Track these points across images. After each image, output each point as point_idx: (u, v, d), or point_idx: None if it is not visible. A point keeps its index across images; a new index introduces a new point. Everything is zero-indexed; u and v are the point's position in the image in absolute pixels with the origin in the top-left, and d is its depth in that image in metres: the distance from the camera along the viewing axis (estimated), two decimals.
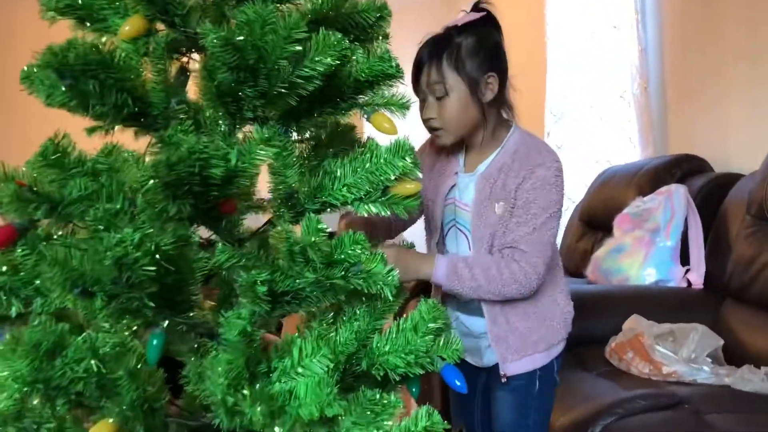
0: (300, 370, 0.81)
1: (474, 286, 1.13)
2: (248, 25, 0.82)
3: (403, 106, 1.01)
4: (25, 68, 0.83)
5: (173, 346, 0.94)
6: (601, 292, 1.98)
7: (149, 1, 0.91)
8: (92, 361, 0.84)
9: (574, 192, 3.12)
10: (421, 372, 0.99)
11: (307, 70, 0.87)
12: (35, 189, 0.86)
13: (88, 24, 0.96)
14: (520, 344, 1.20)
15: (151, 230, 0.78)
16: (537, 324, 1.21)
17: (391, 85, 1.00)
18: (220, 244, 0.86)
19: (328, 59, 0.87)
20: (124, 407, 0.86)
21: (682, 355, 1.54)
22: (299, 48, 0.85)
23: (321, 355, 0.81)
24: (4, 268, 0.88)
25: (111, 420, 0.86)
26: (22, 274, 0.89)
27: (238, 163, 0.83)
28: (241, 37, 0.80)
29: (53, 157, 0.86)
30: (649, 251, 2.04)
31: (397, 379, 0.98)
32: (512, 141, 1.22)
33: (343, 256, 0.87)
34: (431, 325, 0.97)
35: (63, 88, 0.82)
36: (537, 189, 1.15)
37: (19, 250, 0.89)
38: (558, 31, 3.35)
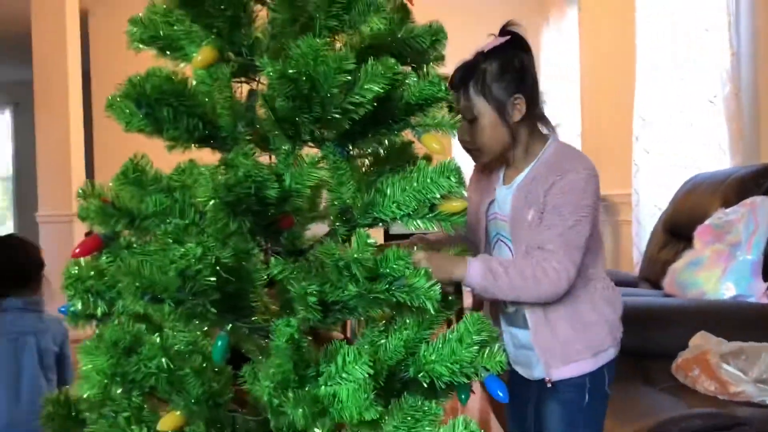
0: (344, 375, 0.88)
1: (508, 285, 1.14)
2: (302, 58, 0.89)
3: (453, 126, 1.05)
4: (109, 98, 0.94)
5: (245, 344, 1.03)
6: (671, 305, 1.94)
7: (219, 34, 1.00)
8: (163, 359, 0.94)
9: (661, 199, 3.04)
10: (466, 381, 1.03)
11: (357, 97, 0.94)
12: (117, 204, 0.97)
13: (168, 53, 1.07)
14: (564, 352, 1.22)
15: (213, 245, 0.87)
16: (580, 331, 1.23)
17: (441, 107, 1.06)
18: (273, 257, 0.94)
19: (376, 87, 0.93)
20: (191, 401, 0.96)
21: (752, 375, 1.49)
22: (349, 78, 0.91)
23: (362, 362, 0.88)
24: (92, 273, 1.00)
25: (178, 413, 0.96)
26: (106, 278, 1.00)
27: (291, 184, 0.90)
28: (294, 70, 0.87)
29: (132, 176, 0.97)
30: (728, 265, 1.97)
31: (443, 386, 1.03)
32: (548, 153, 1.26)
33: (387, 270, 0.93)
34: (476, 337, 1.02)
35: (140, 116, 0.93)
36: (566, 193, 1.18)
37: (104, 258, 1.00)
38: (648, 34, 3.27)
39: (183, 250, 0.84)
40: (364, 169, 1.13)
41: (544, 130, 1.29)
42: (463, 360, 1.02)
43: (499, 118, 1.22)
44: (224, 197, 0.85)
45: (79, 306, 0.99)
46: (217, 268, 0.86)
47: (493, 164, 1.31)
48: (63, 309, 1.03)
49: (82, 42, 4.96)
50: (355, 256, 0.87)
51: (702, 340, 1.64)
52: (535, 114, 1.25)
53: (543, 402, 1.27)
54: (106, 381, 0.92)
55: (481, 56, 1.23)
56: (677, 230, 2.55)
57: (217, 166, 0.91)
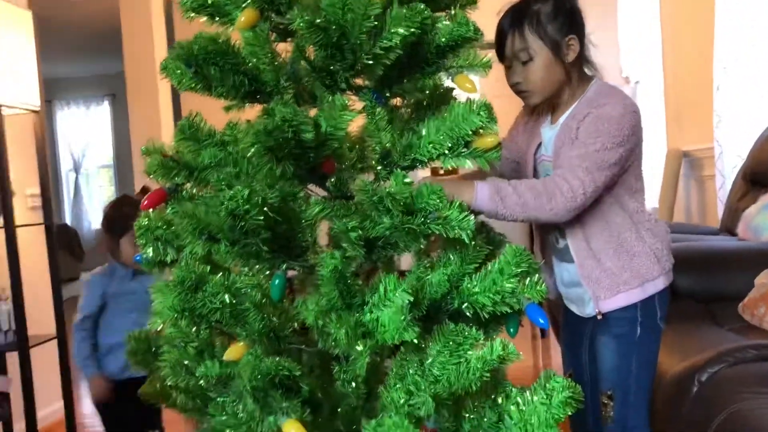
0: (386, 302, 0.95)
1: (520, 203, 1.14)
2: (330, 7, 0.95)
3: (485, 66, 1.09)
4: (162, 61, 1.03)
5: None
6: (738, 247, 1.88)
7: None
8: (226, 296, 1.04)
9: (744, 149, 2.91)
10: (509, 311, 1.07)
11: (385, 41, 0.99)
12: (176, 159, 1.07)
13: (217, 18, 1.16)
14: (611, 282, 1.24)
15: (258, 187, 0.95)
16: (626, 261, 1.24)
17: (472, 47, 1.09)
18: (312, 198, 1.01)
19: (403, 30, 0.98)
20: (254, 334, 1.06)
21: None
22: (376, 23, 0.97)
23: (402, 290, 0.94)
24: (160, 224, 1.11)
25: (242, 344, 1.06)
26: (173, 228, 1.11)
27: (326, 128, 0.97)
28: (321, 19, 0.93)
29: (189, 132, 1.06)
30: None
31: (486, 317, 1.08)
32: (590, 92, 1.28)
33: (422, 205, 0.99)
34: (515, 268, 1.06)
35: (190, 75, 1.02)
36: (598, 121, 1.20)
37: (169, 209, 1.11)
38: None
39: (232, 192, 0.92)
40: (407, 116, 1.19)
41: (590, 73, 1.31)
42: (505, 290, 1.06)
43: (555, 57, 1.24)
44: (264, 142, 0.93)
45: (151, 253, 1.10)
46: (264, 208, 0.94)
47: (541, 108, 1.33)
48: (138, 257, 1.15)
49: (168, 33, 5.21)
50: (388, 190, 0.93)
51: (767, 278, 1.59)
52: (583, 56, 1.27)
53: (596, 337, 1.29)
54: (175, 315, 1.02)
55: None
56: (757, 178, 2.45)
57: (259, 116, 0.99)
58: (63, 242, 7.49)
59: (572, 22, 1.25)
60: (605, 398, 1.26)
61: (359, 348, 0.90)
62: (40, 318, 2.47)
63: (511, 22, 1.25)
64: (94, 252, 8.29)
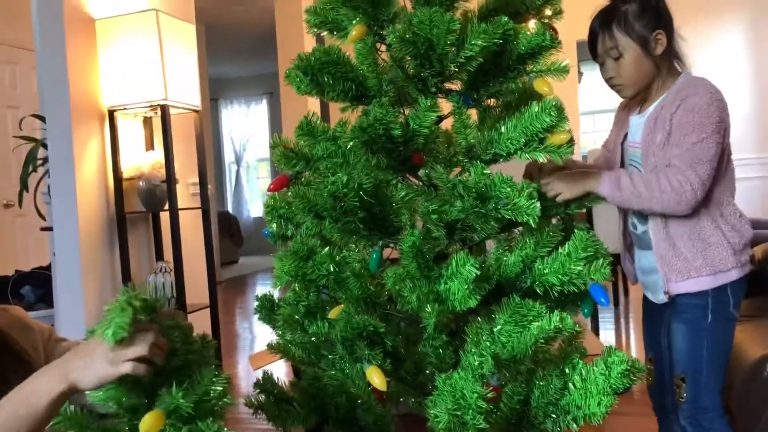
0: (456, 274, 1.11)
1: (636, 193, 1.27)
2: (420, 24, 1.13)
3: (562, 70, 1.22)
4: (286, 70, 1.26)
5: None
6: None
7: (365, 13, 1.27)
8: (331, 265, 1.25)
9: None
10: (575, 290, 1.19)
11: (467, 51, 1.15)
12: (296, 151, 1.29)
13: (335, 33, 1.37)
14: (683, 266, 1.31)
15: (356, 175, 1.15)
16: (700, 249, 1.31)
17: (550, 54, 1.22)
18: (399, 183, 1.19)
19: (481, 42, 1.13)
20: (353, 298, 1.26)
21: None
22: (457, 36, 1.13)
23: (470, 264, 1.09)
24: (283, 204, 1.34)
25: (343, 306, 1.26)
26: (292, 207, 1.34)
27: (413, 125, 1.15)
28: (410, 34, 1.11)
29: (307, 129, 1.28)
30: None
31: (556, 295, 1.21)
32: (678, 83, 1.35)
33: (495, 193, 1.14)
34: (582, 252, 1.18)
35: (307, 82, 1.24)
36: (688, 113, 1.28)
37: (291, 192, 1.33)
38: None
39: (334, 178, 1.13)
40: (497, 116, 1.34)
41: (679, 67, 1.39)
42: (572, 272, 1.19)
43: (644, 52, 1.34)
44: (360, 137, 1.12)
45: (274, 228, 1.34)
46: (360, 192, 1.14)
47: (634, 101, 1.42)
48: (266, 231, 1.39)
49: (317, 35, 5.61)
50: (459, 178, 1.09)
51: None
52: (672, 50, 1.35)
53: (671, 322, 1.36)
54: (290, 278, 1.25)
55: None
56: None
57: (359, 116, 1.18)
58: (224, 228, 8.23)
59: (659, 18, 1.33)
60: (678, 381, 1.33)
61: (428, 310, 1.07)
62: (197, 289, 2.85)
63: (601, 23, 1.35)
64: (251, 238, 9.06)
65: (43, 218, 2.84)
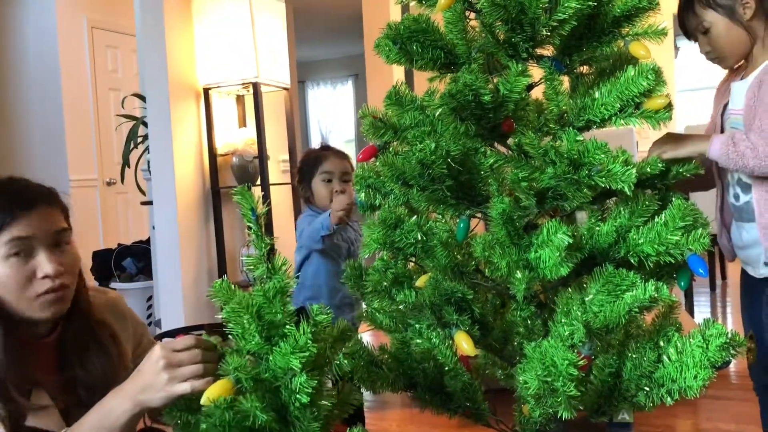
0: (547, 242, 1.09)
1: (750, 147, 1.23)
2: None
3: (660, 33, 1.17)
4: (376, 39, 1.27)
5: None
6: None
7: None
8: (418, 233, 1.26)
9: None
10: (671, 260, 1.15)
11: (560, 14, 1.12)
12: (384, 120, 1.31)
13: (423, 2, 1.37)
14: None
15: (444, 142, 1.15)
16: None
17: (647, 17, 1.18)
18: (488, 149, 1.18)
19: (575, 3, 1.10)
20: (440, 267, 1.26)
21: None
22: None
23: (562, 232, 1.08)
24: (371, 173, 1.36)
25: (429, 274, 1.27)
26: (381, 177, 1.35)
27: (503, 91, 1.13)
28: None
29: (395, 98, 1.29)
30: None
31: (650, 266, 1.17)
32: None
33: (589, 159, 1.11)
34: (680, 222, 1.13)
35: (396, 50, 1.24)
36: None
37: (379, 162, 1.35)
38: None
39: (422, 145, 1.13)
40: (591, 82, 1.30)
41: None
42: (669, 242, 1.15)
43: (731, 21, 1.28)
44: (449, 104, 1.12)
45: (363, 197, 1.36)
46: (448, 159, 1.14)
47: (736, 71, 1.37)
48: (357, 200, 1.41)
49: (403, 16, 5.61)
50: (551, 143, 1.07)
51: None
52: (765, 10, 1.28)
53: None
54: (378, 246, 1.27)
55: None
56: None
57: (448, 83, 1.18)
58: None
59: None
60: None
61: (518, 276, 1.06)
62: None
63: (683, 2, 1.31)
64: None
65: (143, 193, 3.00)
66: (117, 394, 1.17)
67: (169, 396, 1.09)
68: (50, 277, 1.33)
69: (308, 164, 2.32)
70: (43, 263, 1.33)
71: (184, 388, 1.09)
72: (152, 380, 1.11)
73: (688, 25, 1.33)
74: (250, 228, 1.16)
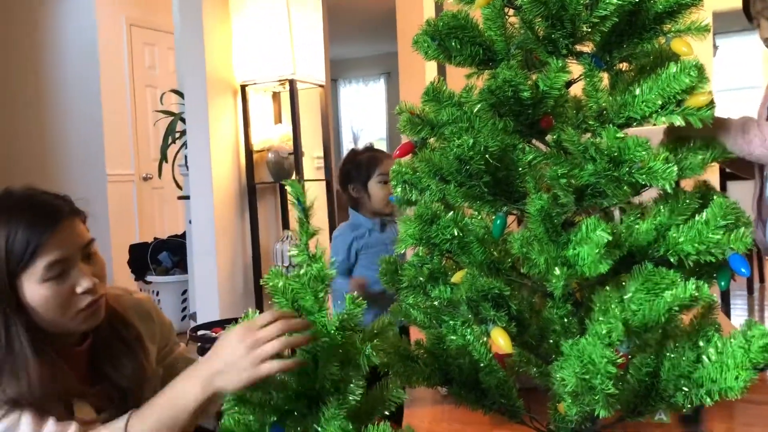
0: (586, 239, 1.09)
1: (750, 140, 1.23)
2: None
3: (702, 30, 1.15)
4: (414, 36, 1.27)
5: None
6: None
7: None
8: (455, 229, 1.26)
9: None
10: (712, 260, 1.14)
11: (601, 11, 1.11)
12: (421, 117, 1.31)
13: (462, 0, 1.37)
14: None
15: (482, 138, 1.15)
16: None
17: (690, 13, 1.16)
18: (526, 146, 1.18)
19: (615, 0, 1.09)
20: (476, 263, 1.27)
21: None
22: None
23: (601, 229, 1.07)
24: (408, 169, 1.36)
25: (466, 270, 1.27)
26: (418, 173, 1.35)
27: (543, 87, 1.13)
28: None
29: (432, 94, 1.29)
30: None
31: (690, 265, 1.16)
32: None
33: (629, 156, 1.10)
34: (721, 221, 1.12)
35: (435, 47, 1.25)
36: None
37: (416, 158, 1.35)
38: None
39: (460, 141, 1.13)
40: (631, 79, 1.29)
41: None
42: (710, 241, 1.13)
43: None
44: (488, 99, 1.12)
45: (399, 192, 1.37)
46: (486, 155, 1.14)
47: None
48: (391, 198, 1.42)
49: (437, 14, 5.60)
50: (591, 140, 1.07)
51: None
52: None
53: None
54: (414, 242, 1.27)
55: None
56: None
57: (487, 79, 1.18)
58: (342, 203, 8.46)
59: None
60: None
61: (557, 273, 1.06)
62: None
63: None
64: None
65: (180, 188, 3.04)
66: (189, 377, 1.15)
67: (252, 378, 1.05)
68: (90, 291, 1.34)
69: (361, 167, 2.31)
70: (81, 279, 1.34)
71: (270, 367, 1.07)
72: (234, 361, 1.06)
73: (752, 8, 1.30)
74: (299, 219, 1.22)
